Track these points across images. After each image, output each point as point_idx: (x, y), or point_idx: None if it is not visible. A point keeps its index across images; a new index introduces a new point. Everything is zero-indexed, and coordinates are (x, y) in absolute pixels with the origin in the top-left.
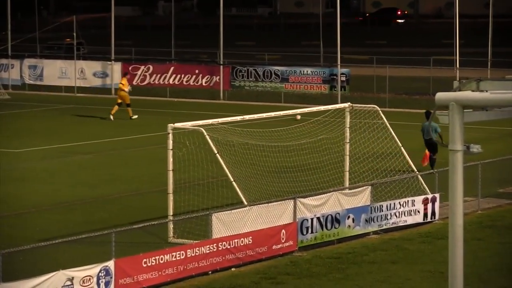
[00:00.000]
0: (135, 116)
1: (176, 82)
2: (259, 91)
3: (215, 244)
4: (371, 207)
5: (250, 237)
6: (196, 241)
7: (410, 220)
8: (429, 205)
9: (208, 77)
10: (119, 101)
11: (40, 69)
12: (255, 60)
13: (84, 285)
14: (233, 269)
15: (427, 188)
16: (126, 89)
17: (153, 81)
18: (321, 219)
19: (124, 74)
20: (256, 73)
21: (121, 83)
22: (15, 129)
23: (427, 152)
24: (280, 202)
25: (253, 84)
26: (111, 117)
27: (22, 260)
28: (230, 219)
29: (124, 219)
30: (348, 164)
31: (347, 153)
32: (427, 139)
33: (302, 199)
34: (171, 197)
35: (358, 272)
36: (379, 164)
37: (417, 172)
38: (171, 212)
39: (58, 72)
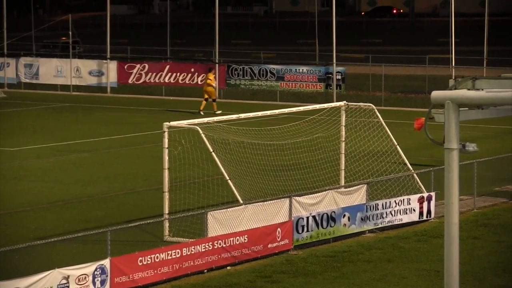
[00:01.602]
0: (219, 111)
1: (172, 81)
2: (254, 89)
3: (210, 243)
4: (366, 206)
5: (246, 236)
6: (192, 240)
7: (406, 218)
8: (425, 204)
9: (203, 76)
10: (206, 96)
11: (36, 68)
12: (251, 59)
13: (80, 283)
14: (228, 267)
15: (422, 187)
16: (214, 84)
17: (148, 79)
18: (317, 218)
19: (209, 69)
20: (251, 72)
21: (209, 78)
22: (11, 128)
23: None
24: (275, 200)
25: (249, 83)
26: (201, 112)
27: (18, 258)
28: (226, 218)
29: (120, 218)
30: (343, 162)
31: (343, 152)
32: None
33: (297, 198)
34: (166, 196)
35: (354, 270)
36: (375, 162)
37: (412, 171)
38: (166, 210)
39: (54, 70)
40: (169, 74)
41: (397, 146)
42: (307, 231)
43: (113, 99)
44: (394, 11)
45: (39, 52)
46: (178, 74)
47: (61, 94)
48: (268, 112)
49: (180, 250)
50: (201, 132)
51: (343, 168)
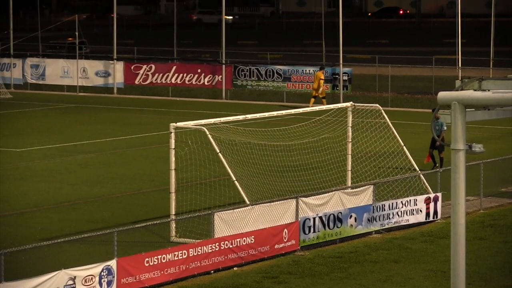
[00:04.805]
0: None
1: (179, 82)
2: (261, 90)
3: (217, 244)
4: (373, 206)
5: (252, 236)
6: (198, 241)
7: (412, 219)
8: (431, 204)
9: (210, 77)
10: (315, 94)
11: (42, 68)
12: (257, 60)
13: (86, 284)
14: (235, 268)
15: (429, 187)
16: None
17: (155, 80)
18: (323, 218)
19: (321, 67)
20: (258, 73)
21: (321, 78)
22: (17, 128)
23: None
24: (282, 201)
25: (255, 84)
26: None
27: (24, 259)
28: (232, 218)
29: (126, 218)
30: (350, 163)
31: (349, 152)
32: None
33: (304, 198)
34: (173, 196)
35: (360, 271)
36: (381, 163)
37: (419, 171)
38: (173, 211)
39: (60, 71)
40: (176, 74)
41: (404, 147)
42: (314, 231)
43: (120, 100)
44: (401, 12)
45: (46, 53)
46: (185, 74)
47: (67, 95)
48: (275, 113)
49: (187, 251)
50: (207, 133)
51: (349, 169)
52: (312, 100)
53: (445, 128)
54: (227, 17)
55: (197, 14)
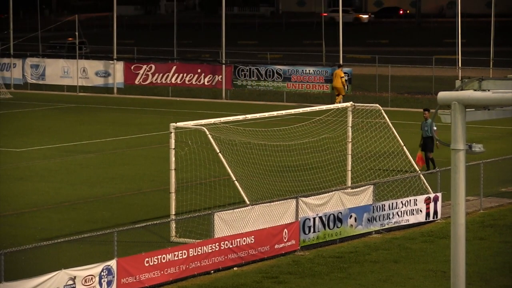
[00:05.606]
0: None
1: (179, 82)
2: (261, 90)
3: (217, 244)
4: (373, 207)
5: (252, 237)
6: (198, 241)
7: (412, 219)
8: (431, 205)
9: (210, 77)
10: (337, 92)
11: (42, 68)
12: (257, 60)
13: (86, 284)
14: (235, 268)
15: (429, 187)
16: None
17: (155, 80)
18: (323, 218)
19: (339, 65)
20: (258, 73)
21: (342, 77)
22: (17, 128)
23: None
24: (282, 201)
25: (255, 84)
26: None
27: (24, 259)
28: (232, 218)
29: (126, 218)
30: (350, 163)
31: (349, 152)
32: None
33: (304, 198)
34: (173, 196)
35: (360, 271)
36: (381, 163)
37: (419, 172)
38: (173, 211)
39: (60, 71)
40: (176, 74)
41: (404, 147)
42: (314, 231)
43: (120, 100)
44: (401, 12)
45: (46, 53)
46: (185, 74)
47: (67, 95)
48: (275, 113)
49: (187, 251)
50: (207, 133)
51: (349, 168)
52: (338, 98)
53: (435, 128)
54: (363, 16)
55: (330, 13)
